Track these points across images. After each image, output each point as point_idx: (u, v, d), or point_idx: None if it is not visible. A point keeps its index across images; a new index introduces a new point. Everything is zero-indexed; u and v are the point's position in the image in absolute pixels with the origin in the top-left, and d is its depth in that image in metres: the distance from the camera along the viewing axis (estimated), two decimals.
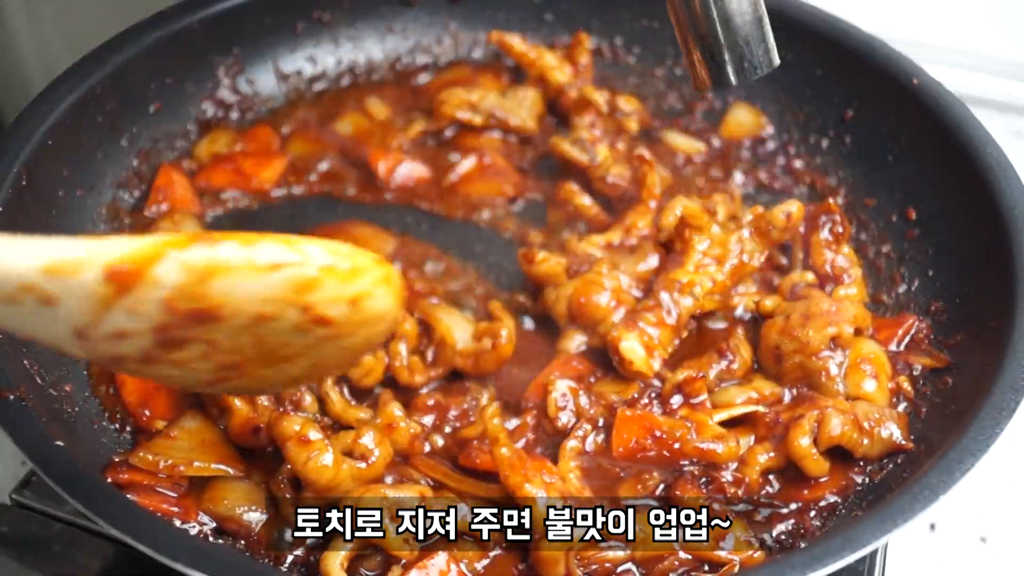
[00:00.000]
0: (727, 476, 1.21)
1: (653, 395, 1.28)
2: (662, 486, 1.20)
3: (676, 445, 1.22)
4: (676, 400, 1.28)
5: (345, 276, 0.88)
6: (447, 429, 1.27)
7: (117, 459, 1.20)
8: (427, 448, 1.24)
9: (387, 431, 1.20)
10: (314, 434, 1.12)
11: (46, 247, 0.80)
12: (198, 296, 0.82)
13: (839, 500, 1.23)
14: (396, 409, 1.22)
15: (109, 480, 1.17)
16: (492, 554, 1.14)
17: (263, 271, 0.84)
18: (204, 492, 1.19)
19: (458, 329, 1.32)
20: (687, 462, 1.23)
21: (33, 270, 0.79)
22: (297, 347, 0.91)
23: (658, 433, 1.23)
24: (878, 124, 1.60)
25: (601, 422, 1.26)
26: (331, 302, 0.88)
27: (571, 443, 1.23)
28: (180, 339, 0.85)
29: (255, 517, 1.17)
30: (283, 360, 0.91)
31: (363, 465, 1.15)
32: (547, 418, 1.26)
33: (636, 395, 1.28)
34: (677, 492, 1.19)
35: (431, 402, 1.27)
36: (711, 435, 1.23)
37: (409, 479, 1.19)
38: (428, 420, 1.27)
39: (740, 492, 1.21)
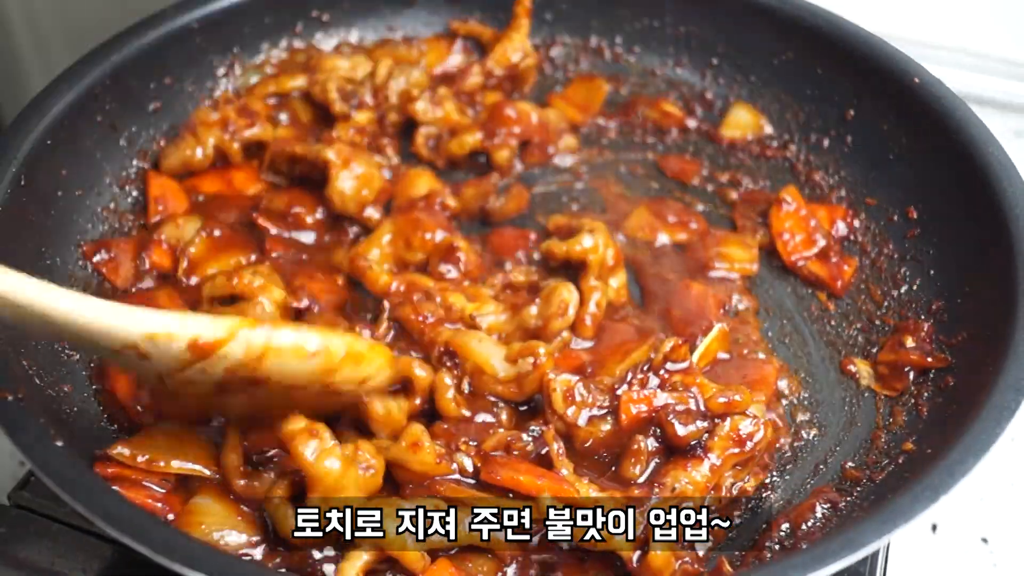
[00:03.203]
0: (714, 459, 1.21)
1: (645, 367, 1.27)
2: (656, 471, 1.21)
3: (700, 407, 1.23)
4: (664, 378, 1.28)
5: (358, 365, 1.17)
6: (452, 446, 1.24)
7: (100, 454, 1.20)
8: (454, 467, 1.20)
9: (413, 450, 1.18)
10: (322, 430, 1.12)
11: (148, 318, 1.06)
12: (252, 368, 1.10)
13: (842, 502, 1.23)
14: (418, 428, 1.19)
15: (97, 473, 1.17)
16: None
17: (304, 358, 1.12)
18: (181, 517, 1.17)
19: (494, 357, 1.28)
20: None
21: (137, 335, 1.06)
22: (312, 402, 1.17)
23: (671, 416, 1.22)
24: (879, 123, 1.59)
25: (607, 403, 1.25)
26: (346, 382, 1.17)
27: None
28: (231, 390, 1.13)
29: (234, 540, 1.15)
30: (297, 405, 1.15)
31: (371, 471, 1.15)
32: (556, 414, 1.26)
33: (630, 374, 1.27)
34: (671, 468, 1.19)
35: (447, 426, 1.26)
36: (719, 390, 1.24)
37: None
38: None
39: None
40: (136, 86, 1.57)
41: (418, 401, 1.26)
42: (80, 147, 1.49)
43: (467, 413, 1.27)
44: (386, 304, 1.37)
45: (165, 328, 1.06)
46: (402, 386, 1.26)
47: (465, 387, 1.29)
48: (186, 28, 1.61)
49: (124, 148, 1.57)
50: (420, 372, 1.25)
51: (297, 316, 1.38)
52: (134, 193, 1.56)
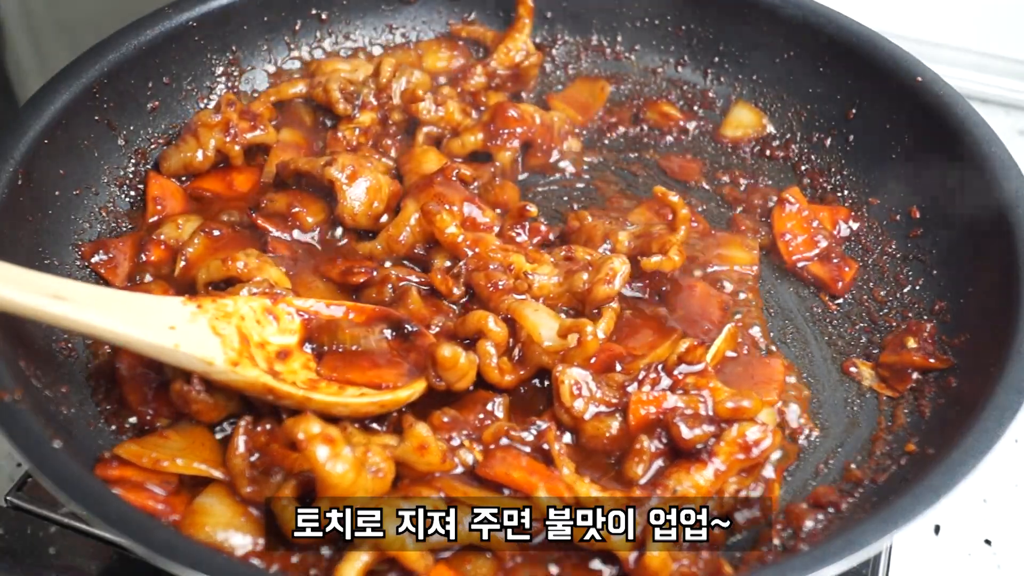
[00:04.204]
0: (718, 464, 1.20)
1: (659, 366, 1.27)
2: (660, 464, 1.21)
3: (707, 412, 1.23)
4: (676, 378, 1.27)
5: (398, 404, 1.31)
6: (456, 441, 1.25)
7: (107, 455, 1.20)
8: (456, 462, 1.21)
9: (420, 452, 1.18)
10: (336, 435, 1.11)
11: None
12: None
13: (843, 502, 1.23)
14: (424, 429, 1.19)
15: (98, 476, 1.16)
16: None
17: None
18: (185, 518, 1.16)
19: (544, 327, 1.30)
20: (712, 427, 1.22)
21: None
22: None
23: (677, 418, 1.22)
24: (881, 122, 1.59)
25: (615, 401, 1.25)
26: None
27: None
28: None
29: (239, 541, 1.14)
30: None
31: (381, 475, 1.15)
32: (563, 407, 1.25)
33: (643, 373, 1.26)
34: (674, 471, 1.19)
35: (447, 419, 1.26)
36: (730, 395, 1.23)
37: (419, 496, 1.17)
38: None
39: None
40: (134, 85, 1.57)
41: (491, 351, 1.29)
42: (78, 146, 1.49)
43: (509, 378, 1.29)
44: (462, 267, 1.40)
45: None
46: (471, 340, 1.31)
47: (516, 354, 1.31)
48: (183, 27, 1.60)
49: (122, 147, 1.56)
50: (495, 327, 1.29)
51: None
52: (132, 193, 1.56)
